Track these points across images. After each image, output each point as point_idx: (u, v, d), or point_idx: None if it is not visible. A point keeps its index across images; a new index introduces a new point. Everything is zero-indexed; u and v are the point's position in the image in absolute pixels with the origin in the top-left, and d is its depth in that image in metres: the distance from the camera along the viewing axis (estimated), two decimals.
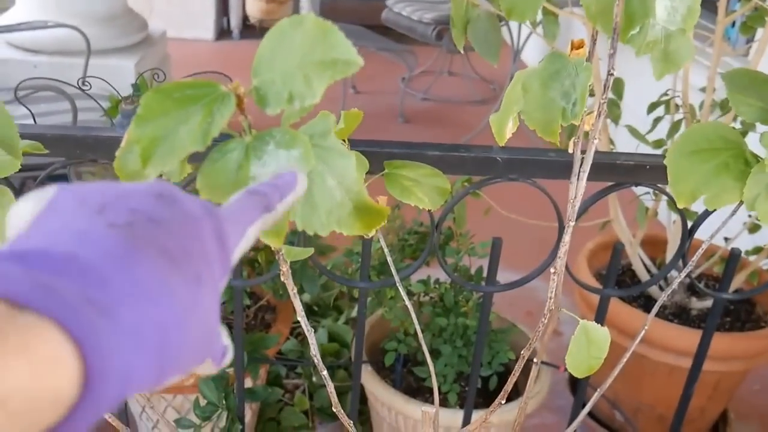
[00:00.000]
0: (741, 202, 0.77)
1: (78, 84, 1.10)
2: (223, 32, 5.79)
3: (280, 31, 0.44)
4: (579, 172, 0.64)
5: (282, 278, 0.56)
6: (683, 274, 0.90)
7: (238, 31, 5.76)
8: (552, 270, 0.70)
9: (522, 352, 0.78)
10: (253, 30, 5.80)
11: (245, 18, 5.85)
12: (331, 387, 0.71)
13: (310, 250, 0.57)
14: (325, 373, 0.68)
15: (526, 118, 0.68)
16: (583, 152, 0.84)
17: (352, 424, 0.74)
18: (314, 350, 0.65)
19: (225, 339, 0.38)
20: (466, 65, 4.60)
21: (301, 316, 0.60)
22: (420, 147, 1.01)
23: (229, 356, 0.38)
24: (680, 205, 0.76)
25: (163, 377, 0.33)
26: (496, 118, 0.77)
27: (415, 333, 1.57)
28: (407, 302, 0.95)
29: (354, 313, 2.07)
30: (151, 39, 3.14)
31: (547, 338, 0.80)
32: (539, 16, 1.23)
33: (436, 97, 4.42)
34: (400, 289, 0.97)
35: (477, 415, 1.36)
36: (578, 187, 0.65)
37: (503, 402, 0.81)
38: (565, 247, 0.68)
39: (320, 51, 0.44)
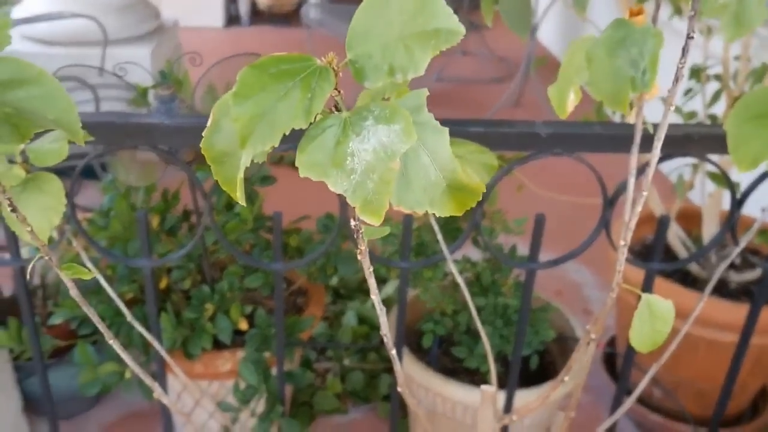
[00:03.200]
0: None
1: (115, 71, 1.09)
2: (232, 19, 5.76)
3: (374, 1, 0.43)
4: (654, 139, 0.62)
5: (359, 257, 0.55)
6: (741, 246, 0.89)
7: (247, 17, 5.73)
8: (621, 242, 0.69)
9: (588, 327, 0.77)
10: (262, 16, 5.78)
11: (254, 4, 5.83)
12: (398, 366, 0.70)
13: (387, 229, 0.55)
14: (393, 352, 0.67)
15: (593, 89, 0.67)
16: (645, 123, 0.82)
17: (417, 404, 0.73)
18: (384, 329, 0.64)
19: None
20: (480, 44, 4.57)
21: (374, 294, 0.59)
22: (463, 124, 1.00)
23: None
24: (741, 171, 0.75)
25: None
26: (555, 90, 0.76)
27: (452, 314, 1.57)
28: (458, 278, 0.94)
29: (383, 296, 2.07)
30: (164, 27, 3.13)
31: (606, 314, 0.79)
32: None
33: (451, 77, 4.39)
34: (451, 266, 0.96)
35: (519, 395, 1.35)
36: (653, 156, 0.63)
37: (565, 378, 0.81)
38: (635, 218, 0.67)
39: (421, 20, 0.43)
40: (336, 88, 0.44)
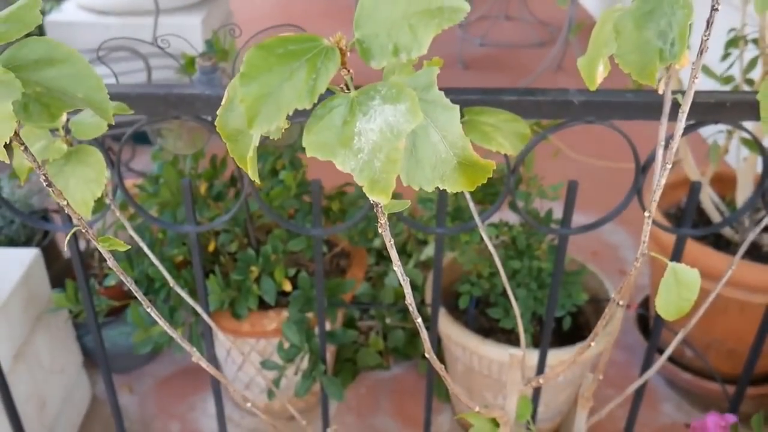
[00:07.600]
0: None
1: (156, 42, 1.13)
2: None
3: None
4: (679, 112, 0.63)
5: (380, 230, 0.54)
6: None
7: None
8: (646, 214, 0.70)
9: (613, 295, 0.80)
10: None
11: None
12: (424, 333, 0.73)
13: (407, 202, 0.57)
14: (419, 320, 0.68)
15: (621, 61, 0.66)
16: (674, 92, 0.83)
17: (444, 369, 0.78)
18: (409, 299, 0.65)
19: None
20: (522, 9, 4.52)
21: (397, 266, 0.58)
22: (496, 92, 0.99)
23: None
24: None
25: None
26: (585, 62, 0.75)
27: (488, 276, 1.61)
28: (490, 246, 0.97)
29: (423, 257, 2.11)
30: None
31: (633, 280, 0.81)
32: None
33: (494, 42, 4.37)
34: (483, 233, 1.00)
35: (552, 354, 1.39)
36: (678, 129, 0.64)
37: (592, 344, 0.84)
38: (659, 191, 0.68)
39: None
40: (345, 67, 0.45)
